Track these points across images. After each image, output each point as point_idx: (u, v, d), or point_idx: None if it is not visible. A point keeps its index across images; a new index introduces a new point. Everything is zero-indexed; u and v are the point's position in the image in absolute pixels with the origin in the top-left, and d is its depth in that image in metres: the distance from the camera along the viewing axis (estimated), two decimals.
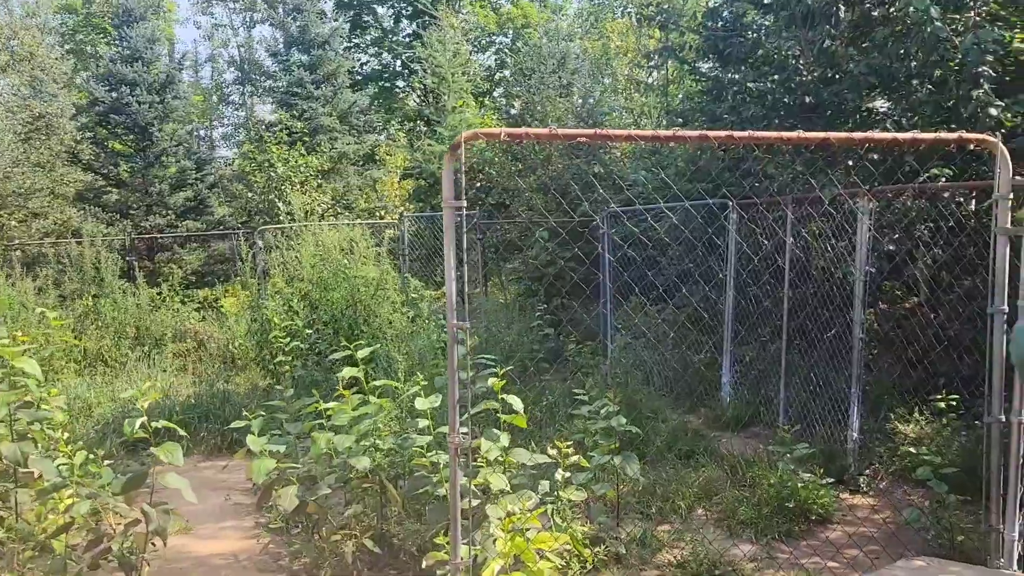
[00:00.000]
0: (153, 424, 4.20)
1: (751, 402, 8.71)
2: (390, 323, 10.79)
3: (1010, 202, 3.42)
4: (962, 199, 7.06)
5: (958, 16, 6.95)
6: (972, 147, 3.45)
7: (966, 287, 7.22)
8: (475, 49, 30.04)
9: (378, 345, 7.75)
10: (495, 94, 30.69)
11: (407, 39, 32.75)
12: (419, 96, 30.23)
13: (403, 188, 22.41)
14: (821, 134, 3.23)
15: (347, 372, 4.72)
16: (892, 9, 7.34)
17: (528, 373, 10.16)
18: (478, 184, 17.21)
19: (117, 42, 19.73)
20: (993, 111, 6.26)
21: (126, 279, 13.73)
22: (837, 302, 7.39)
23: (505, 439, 4.03)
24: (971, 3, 7.04)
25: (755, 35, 8.42)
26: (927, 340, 7.29)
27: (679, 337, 9.94)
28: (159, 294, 13.96)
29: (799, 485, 5.85)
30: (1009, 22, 7.27)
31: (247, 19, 41.34)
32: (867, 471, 6.76)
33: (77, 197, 18.51)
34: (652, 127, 17.31)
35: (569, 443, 4.53)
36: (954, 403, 7.01)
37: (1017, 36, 7.20)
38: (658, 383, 9.54)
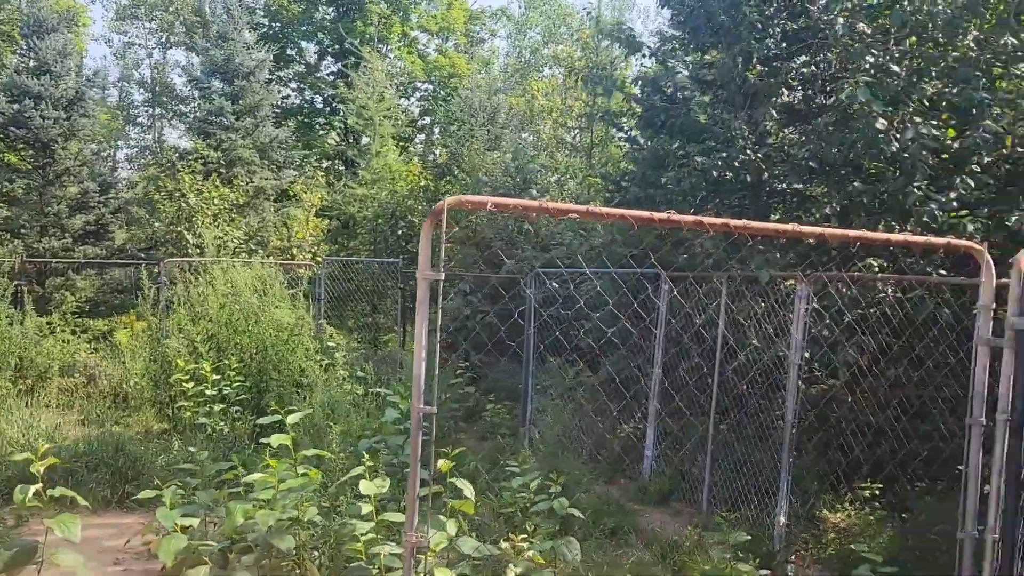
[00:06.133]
0: (49, 492, 3.68)
1: (673, 476, 8.57)
2: (302, 371, 10.26)
3: (992, 312, 3.36)
4: (892, 290, 7.18)
5: (894, 110, 7.14)
6: (943, 252, 3.39)
7: (892, 376, 7.32)
8: (400, 94, 29.86)
9: (310, 410, 7.25)
10: (417, 141, 30.54)
11: (331, 77, 32.35)
12: (339, 135, 29.77)
13: (318, 228, 21.85)
14: (817, 229, 3.11)
15: (276, 439, 4.30)
16: (834, 99, 7.49)
17: (446, 431, 9.81)
18: (399, 232, 16.90)
19: (24, 52, 18.66)
20: (931, 206, 6.38)
21: (13, 304, 12.69)
22: (768, 383, 7.37)
23: (452, 527, 3.70)
24: (907, 98, 7.24)
25: (700, 110, 8.49)
26: (852, 425, 7.34)
27: (603, 404, 9.77)
28: (48, 323, 12.96)
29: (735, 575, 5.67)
30: (940, 118, 7.53)
31: (163, 40, 40.09)
32: (792, 558, 6.66)
33: None
34: (577, 189, 17.40)
35: (523, 535, 4.22)
36: (878, 492, 7.06)
37: (950, 134, 7.46)
38: (577, 448, 9.33)
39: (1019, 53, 6.72)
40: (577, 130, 22.42)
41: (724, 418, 8.16)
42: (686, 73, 9.49)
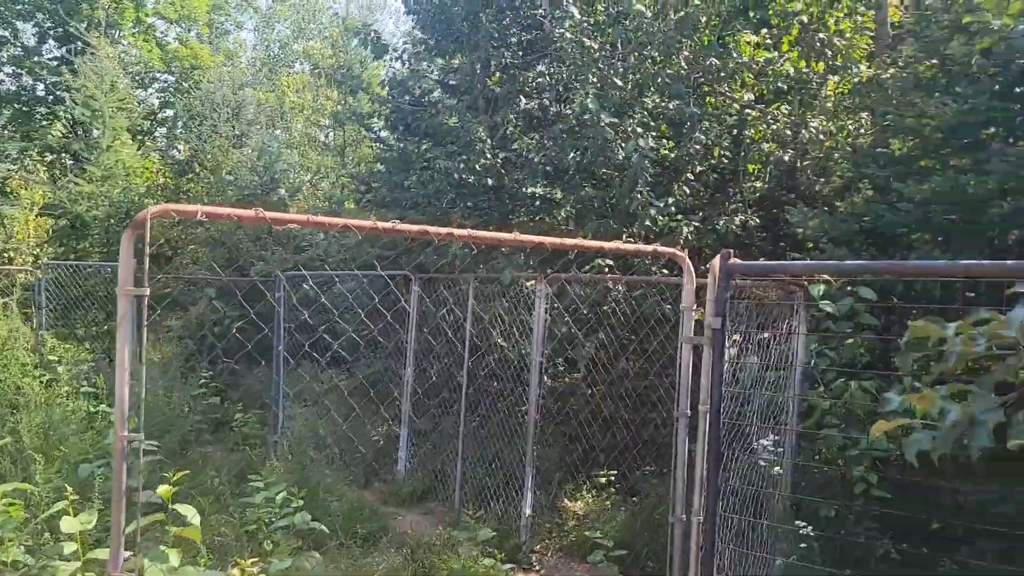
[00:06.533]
0: None
1: (427, 477, 8.65)
2: (18, 389, 9.19)
3: (694, 313, 3.69)
4: (622, 288, 7.71)
5: (621, 120, 7.67)
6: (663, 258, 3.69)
7: (623, 369, 7.86)
8: (136, 84, 27.63)
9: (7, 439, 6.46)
10: (157, 134, 28.43)
11: (54, 62, 29.23)
12: (65, 126, 26.97)
13: (40, 228, 19.71)
14: (535, 238, 3.25)
15: None
16: (568, 107, 7.90)
17: (190, 446, 9.22)
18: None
19: None
20: (652, 211, 6.92)
21: None
22: (514, 380, 7.65)
23: (175, 557, 3.45)
24: (631, 110, 7.80)
25: (448, 114, 8.62)
26: (589, 417, 7.81)
27: (356, 408, 9.65)
28: None
29: (480, 571, 5.82)
30: (659, 131, 8.20)
31: None
32: (537, 548, 6.96)
33: None
34: (330, 188, 17.05)
35: (254, 559, 4.02)
36: (613, 478, 7.55)
37: (667, 144, 8.14)
38: (332, 455, 9.15)
39: (722, 74, 7.46)
40: (330, 129, 21.96)
41: (474, 416, 8.35)
42: (433, 77, 9.61)
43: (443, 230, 3.38)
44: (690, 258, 3.95)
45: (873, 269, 4.74)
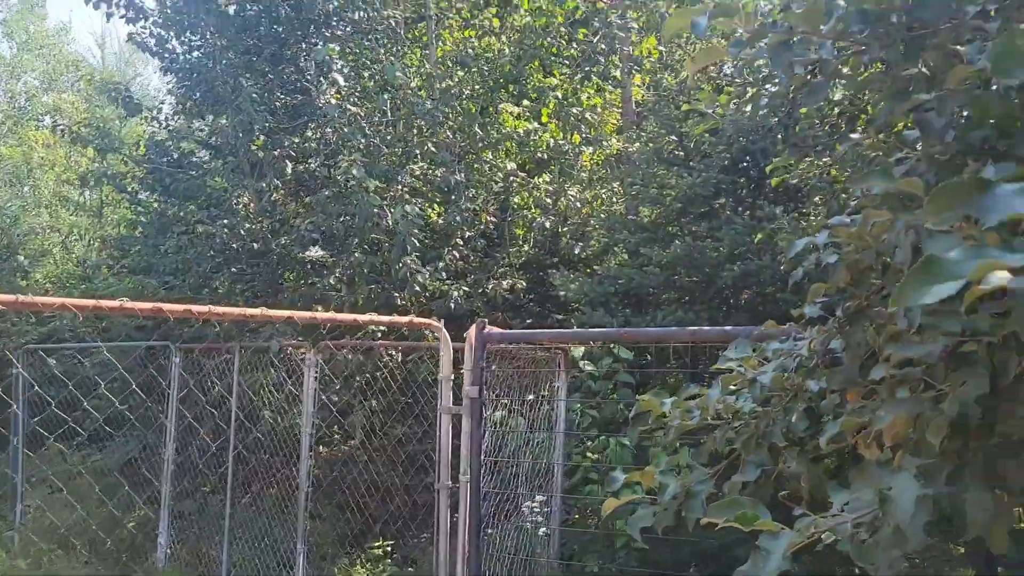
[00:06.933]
0: None
1: (191, 561, 8.04)
2: None
3: (451, 383, 3.73)
4: (394, 352, 7.68)
5: (387, 188, 7.73)
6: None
7: (398, 434, 7.79)
8: None
9: None
10: None
11: None
12: None
13: None
14: (288, 312, 3.16)
15: None
16: (335, 171, 7.86)
17: None
18: None
19: None
20: (420, 278, 7.00)
21: None
22: (285, 453, 7.34)
23: None
24: (399, 178, 7.89)
25: (208, 176, 8.29)
26: (364, 486, 7.63)
27: (112, 489, 8.83)
28: None
29: None
30: (427, 198, 8.34)
31: None
32: None
33: None
34: (84, 251, 15.74)
35: None
36: (389, 548, 7.40)
37: (436, 211, 8.30)
38: (83, 543, 8.28)
39: (482, 144, 7.77)
40: (85, 188, 20.36)
41: (244, 494, 7.93)
42: (195, 138, 9.23)
43: (203, 309, 3.19)
44: (463, 321, 4.01)
45: (610, 337, 5.07)
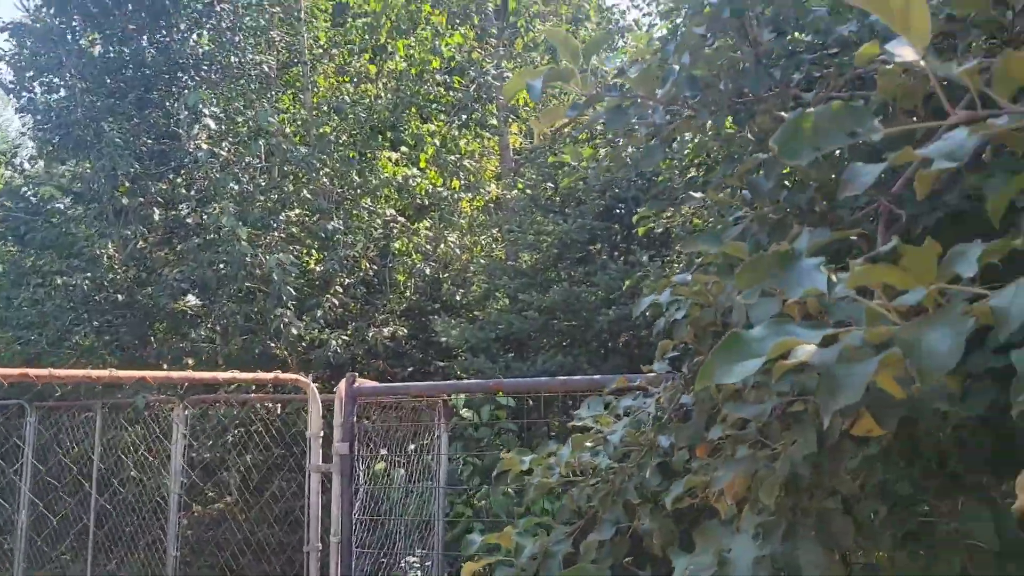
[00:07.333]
0: None
1: None
2: None
3: (321, 440, 3.61)
4: (270, 405, 7.42)
5: (262, 235, 7.53)
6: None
7: (275, 488, 7.50)
8: None
9: None
10: None
11: None
12: None
13: None
14: (141, 372, 2.99)
15: None
16: (205, 218, 7.60)
17: None
18: None
19: None
20: (295, 329, 6.83)
21: None
22: (153, 514, 6.94)
23: None
24: (274, 225, 7.70)
25: (69, 224, 7.86)
26: (238, 546, 7.28)
27: None
28: None
29: None
30: (305, 244, 8.17)
31: None
32: None
33: None
34: None
35: None
36: None
37: (314, 257, 8.14)
38: None
39: (359, 190, 7.69)
40: None
41: (109, 559, 7.44)
42: (54, 184, 8.75)
43: (43, 372, 2.99)
44: (344, 369, 3.88)
45: (482, 388, 5.06)
